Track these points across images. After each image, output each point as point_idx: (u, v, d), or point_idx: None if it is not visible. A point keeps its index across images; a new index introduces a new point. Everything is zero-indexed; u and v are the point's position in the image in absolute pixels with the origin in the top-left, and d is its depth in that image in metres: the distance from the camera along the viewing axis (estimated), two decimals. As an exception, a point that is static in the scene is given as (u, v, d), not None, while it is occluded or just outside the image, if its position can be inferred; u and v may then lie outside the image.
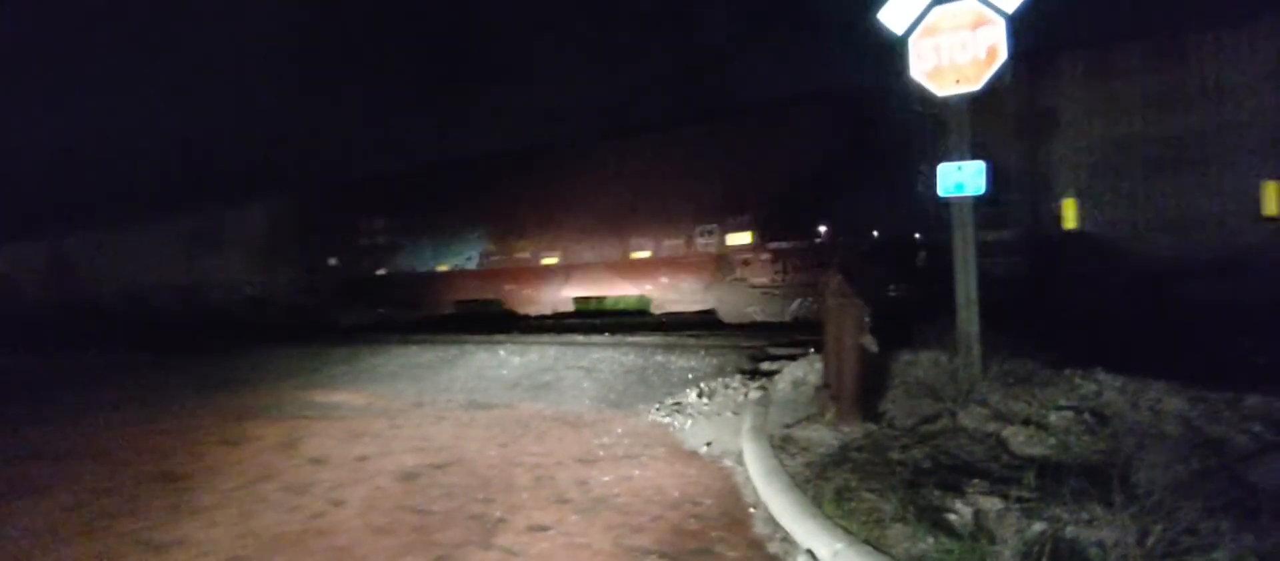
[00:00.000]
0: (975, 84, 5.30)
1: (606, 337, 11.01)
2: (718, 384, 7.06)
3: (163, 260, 19.48)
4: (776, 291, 11.00)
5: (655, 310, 12.33)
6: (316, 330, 14.75)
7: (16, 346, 14.72)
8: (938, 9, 5.40)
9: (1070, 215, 8.09)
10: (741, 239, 11.11)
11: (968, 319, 5.35)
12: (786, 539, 3.70)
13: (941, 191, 5.42)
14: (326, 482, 4.95)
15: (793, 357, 7.56)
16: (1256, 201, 6.54)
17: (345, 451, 5.71)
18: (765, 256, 10.99)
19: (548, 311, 13.41)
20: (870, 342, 4.92)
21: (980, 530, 3.32)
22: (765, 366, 7.73)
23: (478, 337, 11.96)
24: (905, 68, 5.59)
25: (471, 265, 14.31)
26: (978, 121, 8.41)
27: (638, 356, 8.92)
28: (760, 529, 3.86)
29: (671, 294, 12.11)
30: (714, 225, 11.40)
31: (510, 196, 13.75)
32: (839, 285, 4.99)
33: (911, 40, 5.51)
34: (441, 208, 14.84)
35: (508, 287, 13.88)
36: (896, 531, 3.39)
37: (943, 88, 5.41)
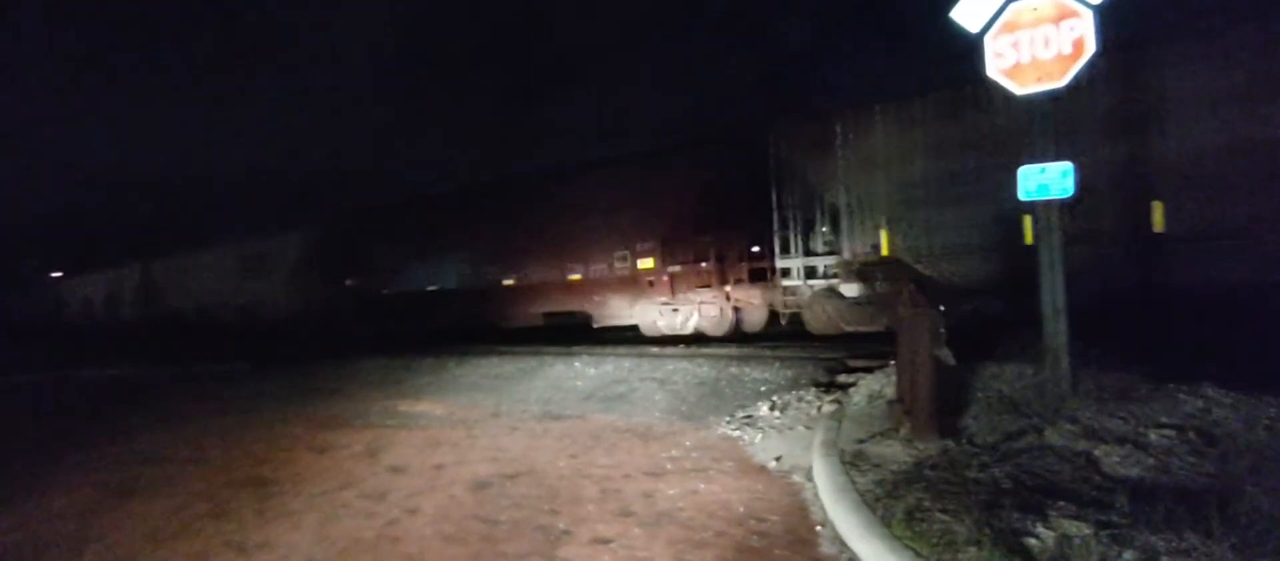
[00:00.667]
0: (1059, 80, 5.01)
1: (681, 349, 10.98)
2: (791, 397, 6.91)
3: (227, 281, 22.22)
4: (676, 307, 12.72)
5: (595, 324, 14.09)
6: (354, 342, 16.47)
7: (118, 359, 15.89)
8: (1016, 3, 5.14)
9: (885, 243, 9.57)
10: (648, 263, 12.89)
11: (1054, 329, 5.04)
12: (853, 559, 3.58)
13: (1022, 194, 5.14)
14: (403, 490, 5.12)
15: (870, 370, 7.32)
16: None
17: (423, 460, 5.89)
18: (665, 278, 12.65)
19: (519, 324, 15.31)
20: (946, 355, 4.72)
21: (1062, 556, 3.11)
22: (842, 378, 7.52)
23: (556, 349, 12.16)
24: (982, 66, 5.34)
25: (453, 286, 16.30)
26: (823, 163, 10.30)
27: (711, 368, 8.85)
28: (826, 548, 3.75)
29: (605, 309, 13.78)
30: (626, 252, 13.16)
31: (480, 224, 15.87)
32: (912, 295, 4.80)
33: (988, 38, 5.26)
34: (430, 233, 16.87)
35: (485, 305, 15.74)
36: (970, 555, 3.22)
37: (1023, 86, 5.14)
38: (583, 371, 9.58)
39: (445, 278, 16.27)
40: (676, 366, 9.19)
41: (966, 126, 8.74)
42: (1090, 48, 4.89)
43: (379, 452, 6.21)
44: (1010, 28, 5.18)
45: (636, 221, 12.92)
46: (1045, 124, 5.17)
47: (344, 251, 18.69)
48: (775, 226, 10.79)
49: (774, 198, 10.77)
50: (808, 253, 10.52)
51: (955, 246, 8.69)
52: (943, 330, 4.68)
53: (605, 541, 4.00)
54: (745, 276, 11.65)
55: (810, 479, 4.71)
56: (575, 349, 12.02)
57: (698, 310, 12.45)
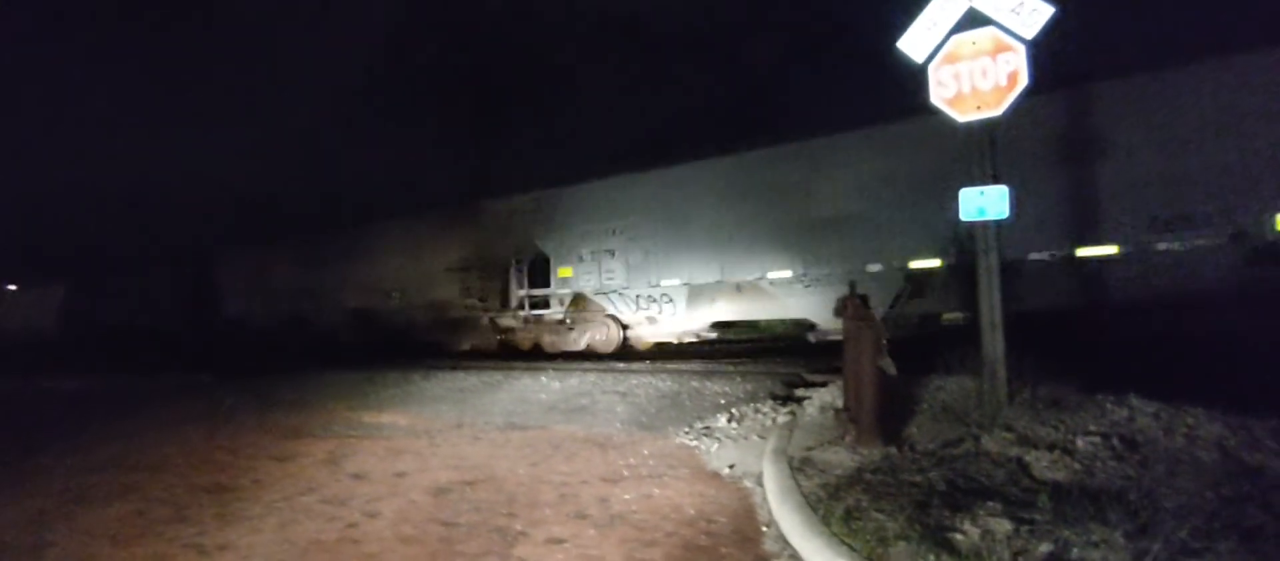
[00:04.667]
0: (997, 109, 5.33)
1: (645, 364, 11.16)
2: (748, 409, 7.13)
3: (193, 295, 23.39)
4: None
5: None
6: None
7: (74, 371, 15.63)
8: (957, 37, 5.46)
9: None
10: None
11: (992, 343, 5.32)
12: (794, 556, 3.77)
13: (964, 216, 5.43)
14: (364, 496, 5.20)
15: (825, 383, 7.58)
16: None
17: (385, 467, 5.97)
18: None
19: None
20: (888, 365, 4.95)
21: (984, 550, 3.33)
22: (798, 392, 7.75)
23: (522, 363, 12.26)
24: (927, 94, 5.65)
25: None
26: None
27: (673, 382, 9.04)
28: (769, 546, 3.94)
29: None
30: None
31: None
32: (856, 308, 5.05)
33: (931, 68, 5.57)
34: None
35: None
36: (899, 549, 3.43)
37: (964, 114, 5.45)
38: (547, 385, 9.70)
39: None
40: (639, 380, 9.36)
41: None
42: (1024, 80, 5.22)
43: (341, 461, 6.28)
44: (951, 59, 5.51)
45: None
46: (984, 150, 5.48)
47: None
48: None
49: None
50: None
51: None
52: (885, 341, 4.91)
53: (559, 541, 4.15)
54: None
55: (760, 484, 4.90)
56: (540, 363, 12.14)
57: None
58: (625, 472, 5.47)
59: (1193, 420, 4.95)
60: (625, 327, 13.19)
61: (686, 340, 12.73)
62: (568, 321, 13.53)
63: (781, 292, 10.81)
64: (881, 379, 4.96)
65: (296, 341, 18.66)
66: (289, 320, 19.54)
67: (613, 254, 12.62)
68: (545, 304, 13.78)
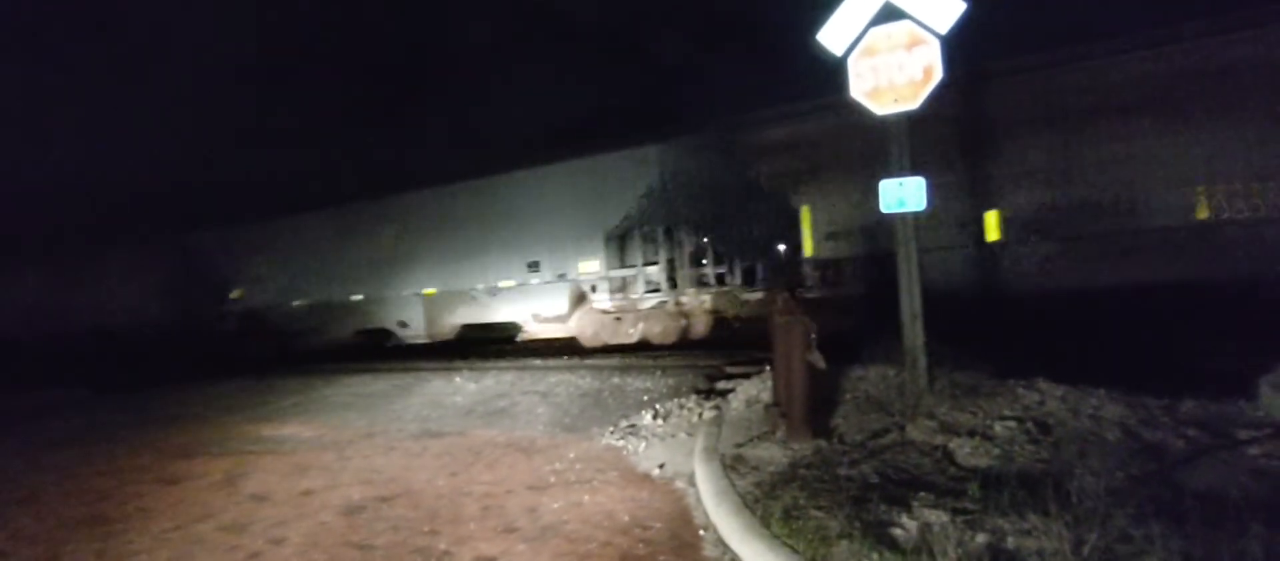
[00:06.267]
0: (913, 102, 5.41)
1: (564, 361, 10.94)
2: (673, 405, 7.04)
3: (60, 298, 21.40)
4: None
5: None
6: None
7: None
8: (874, 30, 5.51)
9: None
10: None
11: (913, 333, 5.41)
12: (736, 560, 3.68)
13: (884, 207, 5.50)
14: (267, 520, 4.79)
15: (747, 376, 7.59)
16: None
17: (289, 486, 5.53)
18: None
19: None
20: (818, 359, 4.95)
21: (924, 544, 3.33)
22: (721, 385, 7.73)
23: (433, 365, 11.79)
24: (846, 87, 5.68)
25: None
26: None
27: (594, 379, 8.86)
28: (710, 551, 3.83)
29: None
30: None
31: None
32: (785, 304, 5.02)
33: (850, 61, 5.60)
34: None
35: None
36: (842, 548, 3.39)
37: (881, 107, 5.51)
38: (463, 387, 9.33)
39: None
40: (559, 378, 9.14)
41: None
42: (938, 74, 5.31)
43: (239, 480, 5.78)
44: (869, 53, 5.55)
45: None
46: (902, 143, 5.56)
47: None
48: None
49: None
50: None
51: None
52: (814, 335, 4.90)
53: (489, 559, 3.91)
54: None
55: (693, 484, 4.80)
56: (456, 363, 11.71)
57: None
58: (552, 479, 5.26)
59: (1096, 401, 5.19)
60: (281, 334, 16.67)
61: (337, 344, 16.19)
62: (240, 330, 17.34)
63: (371, 308, 15.14)
64: (811, 373, 4.95)
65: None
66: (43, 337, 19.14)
67: (265, 280, 16.74)
68: (225, 319, 17.66)
